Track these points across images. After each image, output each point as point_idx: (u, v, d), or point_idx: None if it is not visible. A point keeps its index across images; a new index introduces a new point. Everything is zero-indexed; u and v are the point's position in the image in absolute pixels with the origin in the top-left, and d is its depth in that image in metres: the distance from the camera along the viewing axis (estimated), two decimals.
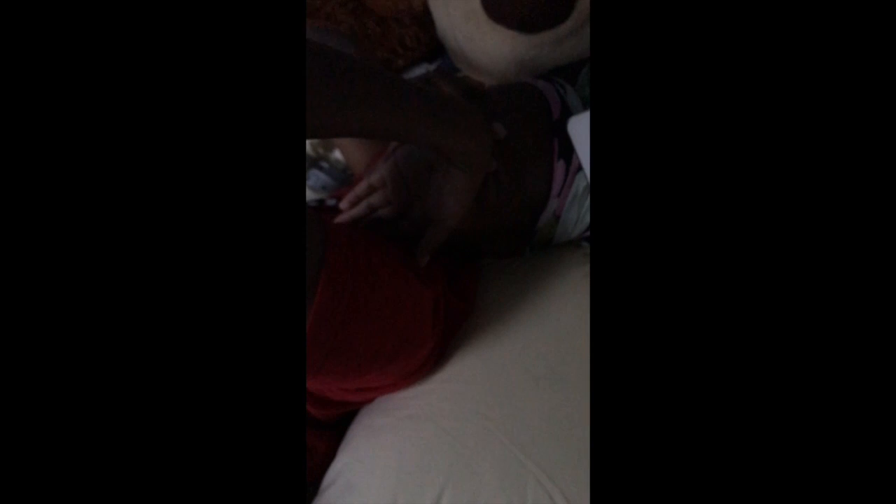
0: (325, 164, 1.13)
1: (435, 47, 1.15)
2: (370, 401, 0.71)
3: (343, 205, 0.61)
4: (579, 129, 0.62)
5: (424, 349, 0.62)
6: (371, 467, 0.66)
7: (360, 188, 0.60)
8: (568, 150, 0.64)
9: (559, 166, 0.63)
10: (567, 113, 0.65)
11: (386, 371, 0.61)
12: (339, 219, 0.61)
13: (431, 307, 0.60)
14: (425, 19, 1.08)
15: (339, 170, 1.12)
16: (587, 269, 0.68)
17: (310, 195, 1.09)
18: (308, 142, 1.10)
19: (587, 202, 0.66)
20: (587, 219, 0.68)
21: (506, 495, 0.58)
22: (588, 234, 0.70)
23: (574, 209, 0.66)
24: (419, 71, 1.18)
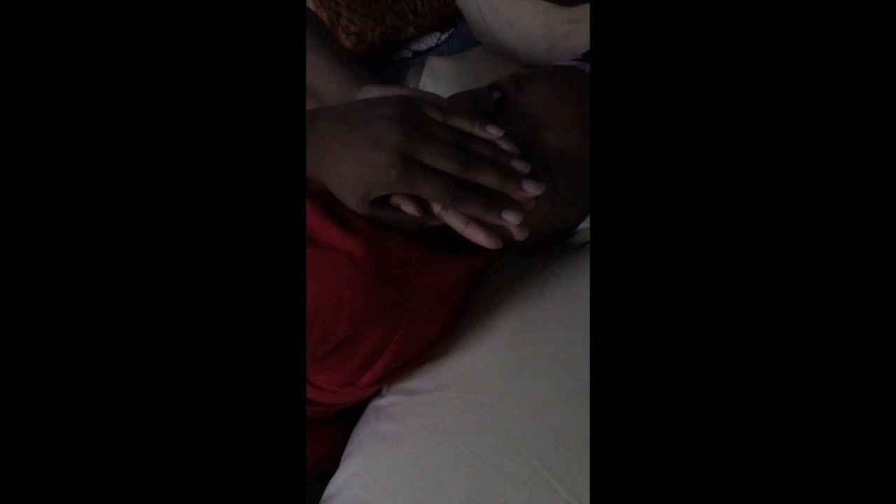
0: None
1: (449, 15, 1.08)
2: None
3: None
4: None
5: None
6: (383, 483, 0.61)
7: None
8: None
9: None
10: None
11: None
12: None
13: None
14: None
15: None
16: None
17: None
18: None
19: None
20: None
21: None
22: None
23: None
24: (430, 41, 1.10)
